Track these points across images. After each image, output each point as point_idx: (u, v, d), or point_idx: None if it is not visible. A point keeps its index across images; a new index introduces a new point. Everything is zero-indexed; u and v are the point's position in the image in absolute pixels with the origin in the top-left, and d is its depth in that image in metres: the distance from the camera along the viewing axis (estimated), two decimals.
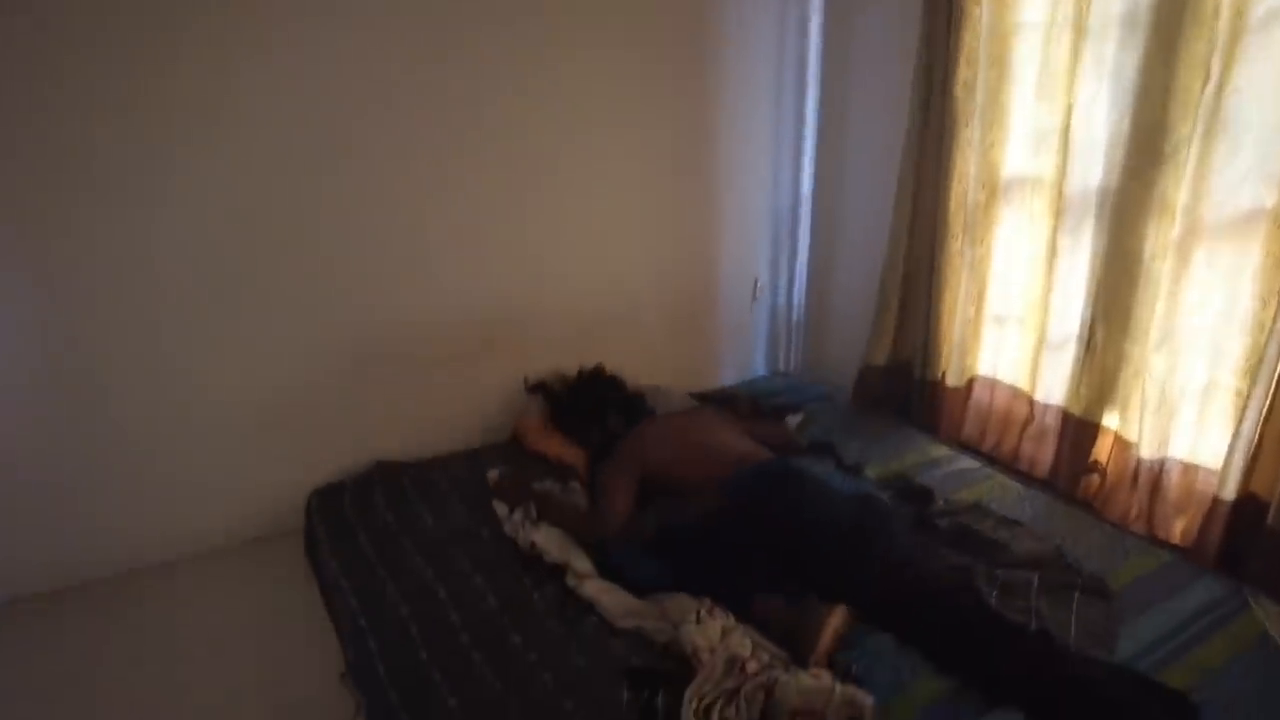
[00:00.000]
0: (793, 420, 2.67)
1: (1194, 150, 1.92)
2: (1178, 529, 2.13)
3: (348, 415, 2.48)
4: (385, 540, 2.08)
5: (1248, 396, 1.88)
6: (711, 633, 1.62)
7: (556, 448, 2.48)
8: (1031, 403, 2.49)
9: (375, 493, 2.32)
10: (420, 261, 2.47)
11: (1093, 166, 2.17)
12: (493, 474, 2.35)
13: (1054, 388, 2.43)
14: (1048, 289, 2.35)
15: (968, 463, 2.44)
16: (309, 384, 2.40)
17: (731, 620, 1.68)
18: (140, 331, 2.14)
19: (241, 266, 2.21)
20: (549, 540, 1.97)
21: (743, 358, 3.27)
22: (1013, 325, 2.54)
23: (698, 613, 1.67)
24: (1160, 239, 2.03)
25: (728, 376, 3.22)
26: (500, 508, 2.20)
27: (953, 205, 2.46)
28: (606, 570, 1.89)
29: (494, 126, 2.45)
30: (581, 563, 1.90)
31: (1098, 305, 2.19)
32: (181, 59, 2.00)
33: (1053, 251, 2.31)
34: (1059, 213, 2.26)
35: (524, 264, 2.65)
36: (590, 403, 2.52)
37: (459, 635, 1.71)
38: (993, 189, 2.41)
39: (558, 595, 1.84)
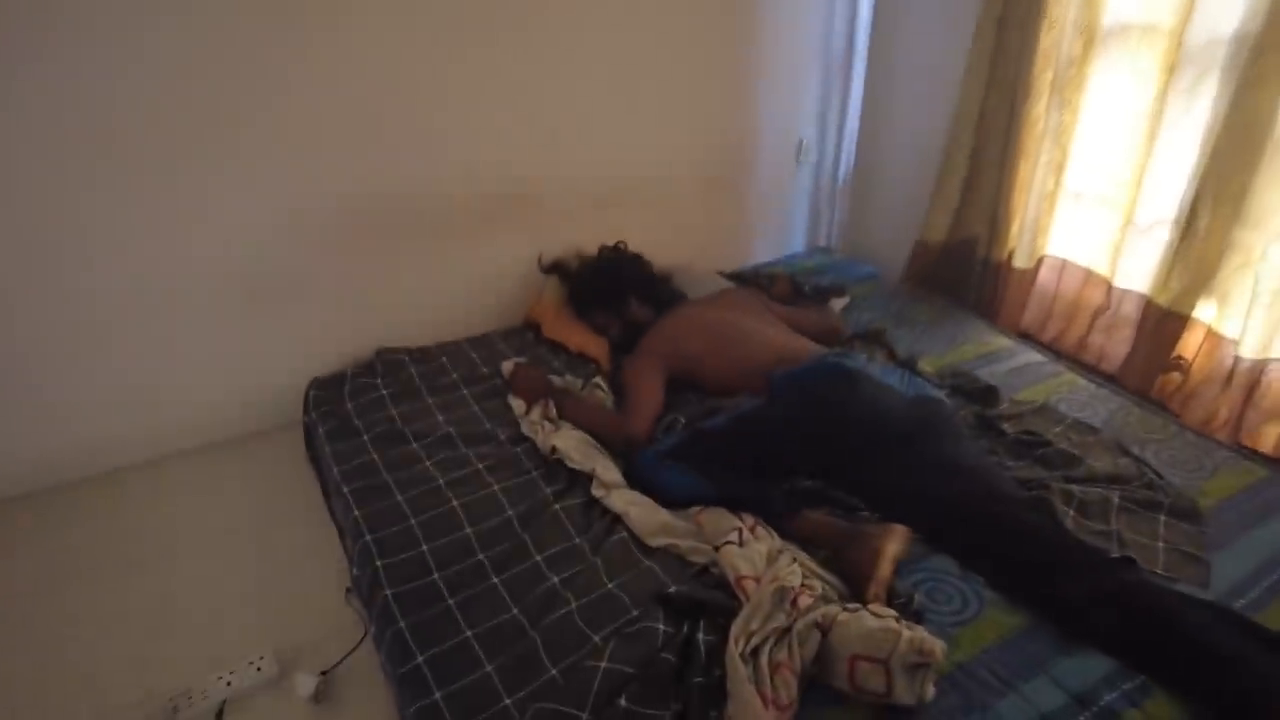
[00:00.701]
0: (837, 304, 2.41)
1: None
2: (1272, 438, 1.92)
3: (346, 295, 2.24)
4: (391, 439, 1.88)
5: None
6: (756, 557, 1.45)
7: (577, 337, 2.25)
8: (1109, 289, 2.22)
9: (379, 383, 2.11)
10: (424, 122, 2.14)
11: (1228, 8, 1.78)
12: (508, 365, 2.13)
13: (1136, 274, 2.15)
14: (1144, 162, 2.02)
15: (1032, 355, 2.20)
16: (298, 258, 2.13)
17: (777, 541, 1.51)
18: (102, 194, 1.85)
19: (214, 119, 1.89)
20: (570, 444, 1.77)
21: (779, 231, 2.96)
22: (1092, 202, 2.22)
23: (739, 532, 1.49)
24: None
25: (762, 252, 2.92)
26: (517, 404, 1.99)
27: (1039, 58, 2.08)
28: (634, 480, 1.71)
29: None
30: (608, 471, 1.71)
31: (1206, 184, 1.88)
32: None
33: (1157, 116, 1.96)
34: (1172, 68, 1.90)
35: (538, 125, 2.31)
36: (610, 286, 2.26)
37: (475, 553, 1.54)
38: (1091, 37, 2.02)
39: (582, 507, 1.66)
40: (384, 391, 2.08)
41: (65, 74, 1.72)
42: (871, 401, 1.73)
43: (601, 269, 2.34)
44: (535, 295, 2.42)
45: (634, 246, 2.56)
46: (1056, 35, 2.06)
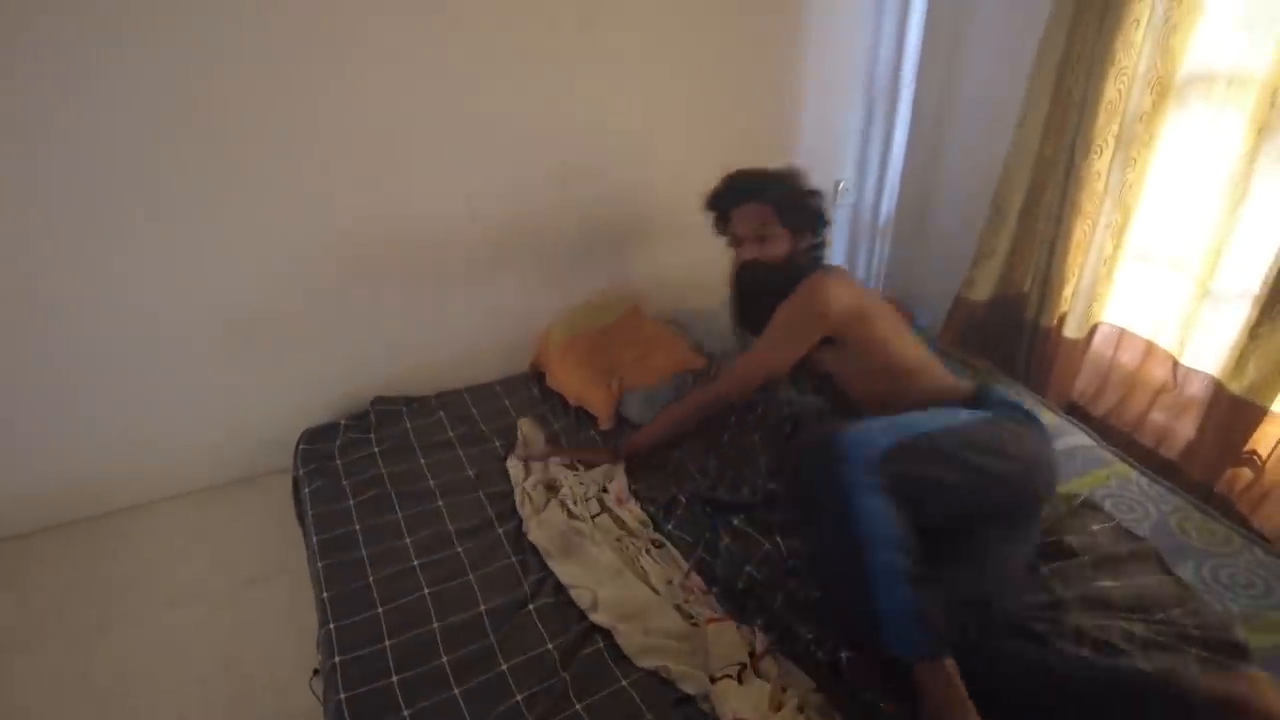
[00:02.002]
0: None
1: None
2: None
3: (344, 341, 2.15)
4: (376, 506, 1.79)
5: None
6: (759, 699, 1.27)
7: (577, 387, 2.09)
8: (1175, 365, 1.98)
9: (372, 438, 2.02)
10: (426, 160, 2.03)
11: None
12: (525, 426, 2.01)
13: (1207, 352, 1.91)
14: (1225, 230, 1.77)
15: (1081, 439, 1.98)
16: (296, 303, 2.05)
17: (791, 672, 1.32)
18: (96, 238, 1.80)
19: (210, 163, 1.82)
20: (548, 537, 1.64)
21: None
22: (1162, 266, 1.98)
23: (744, 666, 1.32)
24: None
25: None
26: (515, 469, 1.87)
27: (1103, 109, 1.85)
28: (809, 481, 1.34)
29: None
30: (592, 569, 1.57)
31: None
32: None
33: (1244, 179, 1.71)
34: (1264, 127, 1.65)
35: (548, 159, 2.17)
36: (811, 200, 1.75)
37: (438, 655, 1.42)
38: (1164, 89, 1.78)
39: (559, 605, 1.52)
40: (376, 448, 1.98)
41: (61, 116, 1.66)
42: (1050, 463, 1.53)
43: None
44: (542, 340, 2.28)
45: (656, 289, 2.43)
46: (1124, 85, 1.82)
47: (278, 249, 1.97)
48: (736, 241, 1.74)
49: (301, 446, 2.01)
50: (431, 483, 1.86)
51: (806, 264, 1.73)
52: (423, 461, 1.93)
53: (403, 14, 1.85)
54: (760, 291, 1.70)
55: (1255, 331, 1.74)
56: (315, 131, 1.88)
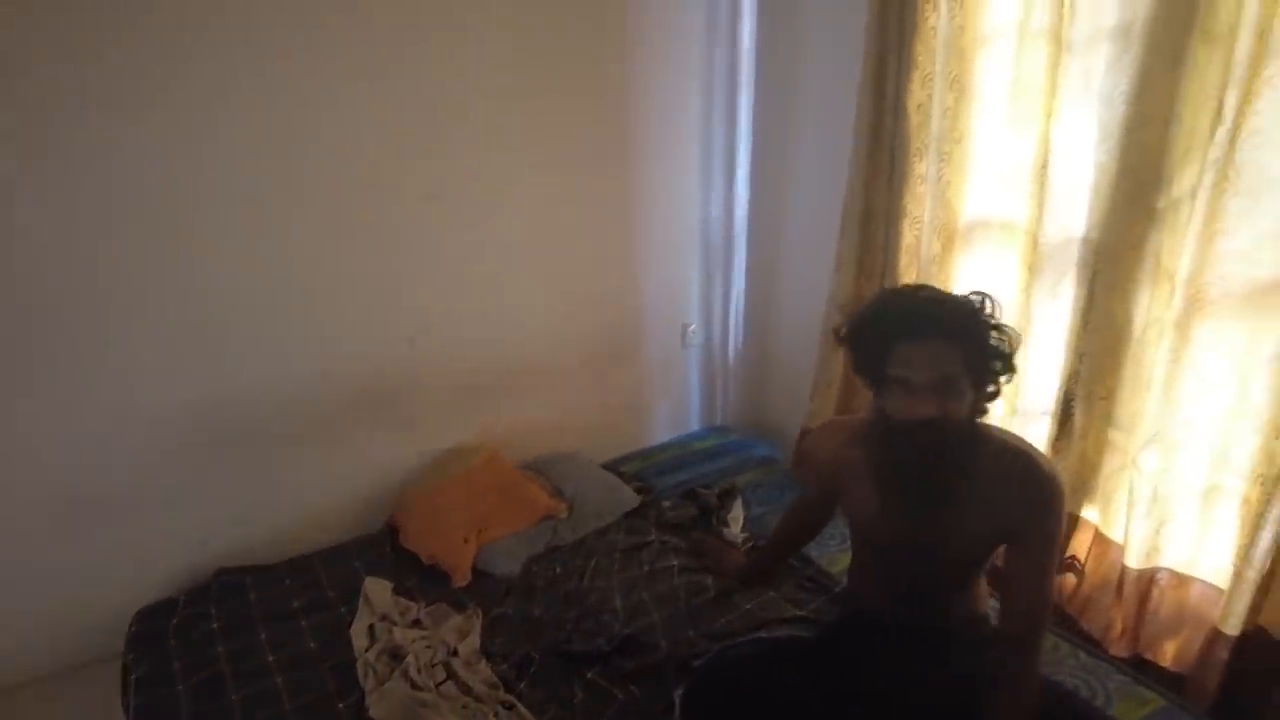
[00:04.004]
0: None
1: (1199, 205, 1.53)
2: (1169, 652, 1.78)
3: (187, 508, 2.05)
4: (208, 695, 1.66)
5: (1260, 511, 1.52)
6: None
7: (433, 545, 2.05)
8: None
9: (212, 613, 1.91)
10: (272, 320, 2.03)
11: (1075, 214, 1.77)
12: (371, 587, 1.94)
13: None
14: (1020, 353, 1.94)
15: None
16: (132, 470, 1.96)
17: None
18: None
19: (34, 320, 1.77)
20: (390, 714, 1.56)
21: (676, 410, 2.86)
22: None
23: None
24: (1155, 310, 1.65)
25: (659, 433, 2.82)
26: (358, 637, 1.80)
27: (903, 254, 2.06)
28: None
29: (356, 135, 2.01)
30: None
31: (1077, 382, 1.82)
32: None
33: (1025, 312, 1.91)
34: (1033, 267, 1.87)
35: (402, 313, 2.21)
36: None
37: None
38: (950, 236, 2.01)
39: None
40: (214, 625, 1.87)
41: None
42: None
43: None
44: (399, 496, 2.25)
45: (517, 435, 2.44)
46: (918, 232, 2.04)
47: (111, 419, 1.90)
48: (906, 388, 1.28)
49: (133, 629, 1.87)
50: (270, 658, 1.76)
51: (1004, 434, 1.42)
52: (263, 636, 1.83)
53: (246, 188, 1.90)
54: (947, 468, 1.32)
55: (1056, 445, 1.90)
56: (151, 301, 1.87)
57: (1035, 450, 1.41)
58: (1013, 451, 1.38)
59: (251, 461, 2.10)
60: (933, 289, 1.38)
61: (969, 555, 1.46)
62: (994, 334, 1.31)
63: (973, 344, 1.28)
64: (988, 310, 1.32)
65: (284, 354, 2.07)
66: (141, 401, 1.93)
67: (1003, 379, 1.34)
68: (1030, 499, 1.35)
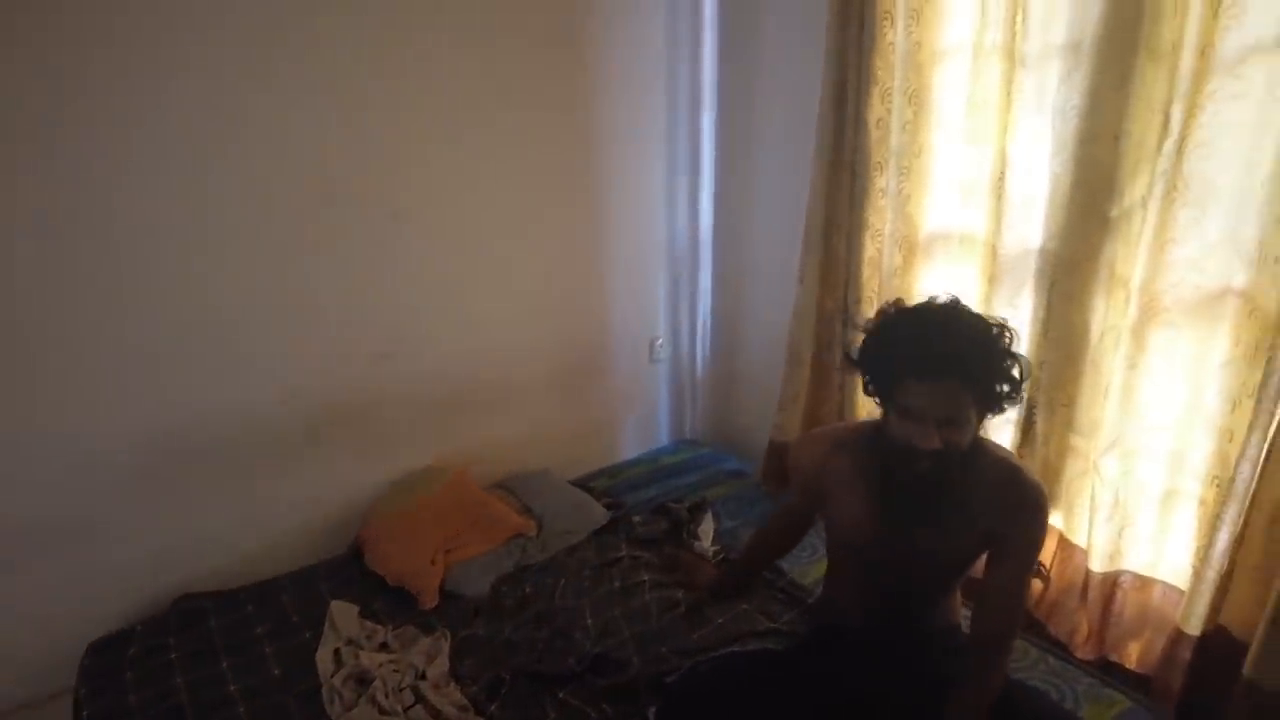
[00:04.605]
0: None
1: (1150, 215, 1.58)
2: (1134, 653, 1.81)
3: (145, 535, 1.99)
4: None
5: (1216, 513, 1.55)
6: None
7: (397, 565, 2.01)
8: None
9: (171, 642, 1.85)
10: (232, 343, 1.98)
11: (1032, 225, 1.81)
12: (337, 610, 1.90)
13: None
14: None
15: None
16: (88, 498, 1.90)
17: None
18: None
19: None
20: None
21: (644, 425, 2.86)
22: None
23: None
24: (1111, 318, 1.69)
25: (628, 448, 2.81)
26: (324, 662, 1.76)
27: (865, 266, 2.09)
28: None
29: (321, 152, 1.99)
30: None
31: (1038, 390, 1.85)
32: None
33: None
34: (993, 278, 1.90)
35: (367, 332, 2.18)
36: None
37: None
38: (911, 249, 2.04)
39: None
40: (173, 655, 1.81)
41: None
42: None
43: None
44: (365, 517, 2.21)
45: (482, 454, 2.41)
46: (880, 245, 2.07)
47: (62, 446, 1.84)
48: (912, 418, 1.29)
49: (85, 661, 1.81)
50: (232, 687, 1.71)
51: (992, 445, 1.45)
52: (225, 664, 1.78)
53: (204, 207, 1.87)
54: (944, 491, 1.35)
55: (1020, 453, 1.93)
56: (103, 321, 1.82)
57: (1020, 461, 1.47)
58: (1000, 462, 1.41)
59: (211, 486, 2.04)
60: (948, 313, 1.31)
61: (953, 563, 1.49)
62: (1008, 365, 1.29)
63: (987, 383, 1.28)
64: (1005, 341, 1.30)
65: (244, 375, 2.02)
66: (94, 427, 1.87)
67: (1009, 405, 1.34)
68: (1016, 507, 1.38)
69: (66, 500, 1.88)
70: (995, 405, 1.32)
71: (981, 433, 1.40)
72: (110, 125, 1.73)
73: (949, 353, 1.24)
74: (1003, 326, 1.31)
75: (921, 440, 1.27)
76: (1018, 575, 1.41)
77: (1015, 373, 1.30)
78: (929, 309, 1.33)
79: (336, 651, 1.78)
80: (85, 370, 1.83)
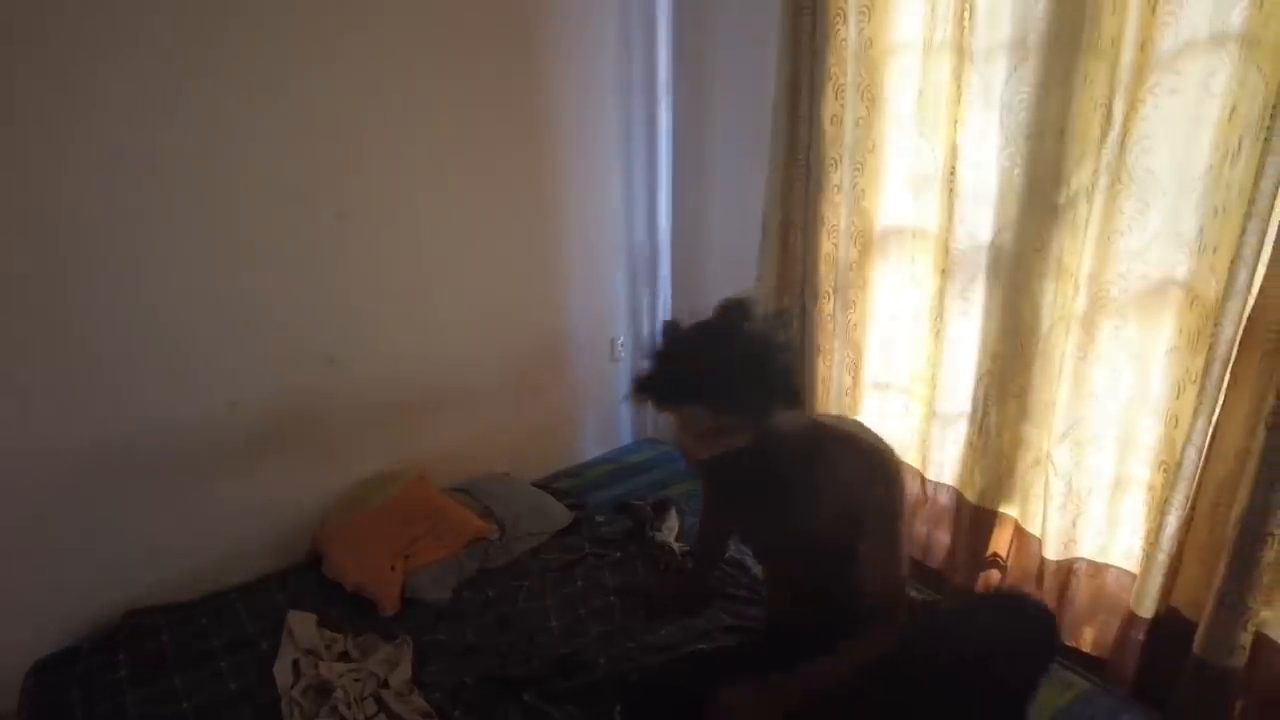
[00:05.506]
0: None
1: (1096, 207, 1.61)
2: (1089, 637, 1.85)
3: (90, 549, 1.92)
4: None
5: (1165, 498, 1.59)
6: None
7: (355, 573, 1.98)
8: (924, 481, 2.17)
9: (120, 659, 1.79)
10: (170, 342, 1.92)
11: (982, 219, 1.84)
12: (294, 619, 1.85)
13: (946, 466, 2.12)
14: (936, 357, 2.02)
15: None
16: (26, 510, 1.83)
17: None
18: None
19: None
20: None
21: (606, 425, 2.85)
22: (897, 394, 2.21)
23: None
24: (1060, 309, 1.72)
25: (591, 448, 2.80)
26: (282, 673, 1.72)
27: (822, 262, 2.11)
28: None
29: (264, 152, 1.94)
30: None
31: (991, 382, 1.88)
32: None
33: (939, 315, 1.97)
34: (945, 271, 1.93)
35: (318, 334, 2.14)
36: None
37: None
38: (866, 243, 2.06)
39: None
40: (122, 672, 1.76)
41: None
42: None
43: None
44: (321, 524, 2.17)
45: (441, 458, 2.38)
46: (835, 240, 2.09)
47: (1, 460, 1.78)
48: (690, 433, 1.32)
49: (28, 682, 1.75)
50: (185, 704, 1.66)
51: (811, 426, 1.43)
52: (177, 680, 1.72)
53: (145, 209, 1.82)
54: (763, 482, 1.34)
55: (975, 444, 1.96)
56: (42, 329, 1.76)
57: (862, 428, 1.44)
58: (839, 436, 1.40)
59: (160, 497, 1.98)
60: (669, 335, 1.33)
61: (828, 549, 1.42)
62: (740, 365, 1.23)
63: (712, 396, 1.23)
64: (734, 342, 1.26)
65: (190, 381, 1.97)
66: (33, 441, 1.80)
67: (772, 395, 1.27)
68: (858, 477, 1.36)
69: (7, 513, 1.80)
70: (752, 398, 1.25)
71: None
72: (47, 128, 1.68)
73: (650, 384, 1.29)
74: (726, 325, 1.28)
75: (700, 453, 1.31)
76: (880, 545, 1.37)
77: (750, 364, 1.24)
78: (667, 332, 1.35)
79: (295, 662, 1.74)
80: (26, 381, 1.77)
